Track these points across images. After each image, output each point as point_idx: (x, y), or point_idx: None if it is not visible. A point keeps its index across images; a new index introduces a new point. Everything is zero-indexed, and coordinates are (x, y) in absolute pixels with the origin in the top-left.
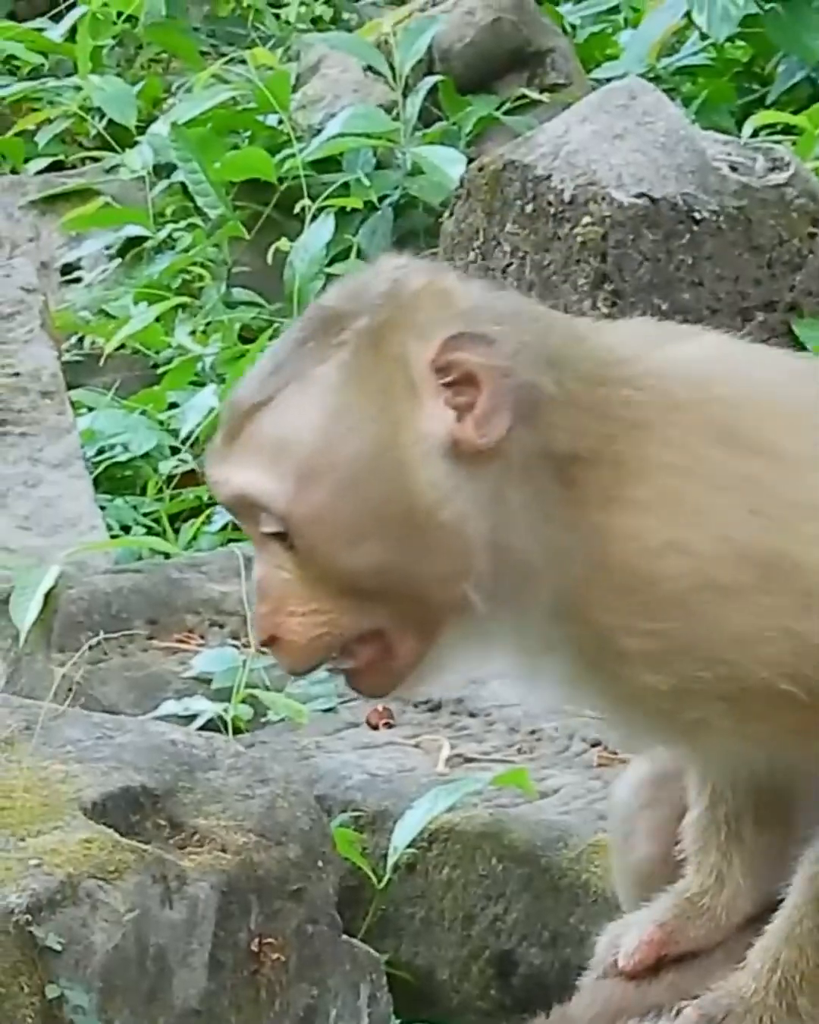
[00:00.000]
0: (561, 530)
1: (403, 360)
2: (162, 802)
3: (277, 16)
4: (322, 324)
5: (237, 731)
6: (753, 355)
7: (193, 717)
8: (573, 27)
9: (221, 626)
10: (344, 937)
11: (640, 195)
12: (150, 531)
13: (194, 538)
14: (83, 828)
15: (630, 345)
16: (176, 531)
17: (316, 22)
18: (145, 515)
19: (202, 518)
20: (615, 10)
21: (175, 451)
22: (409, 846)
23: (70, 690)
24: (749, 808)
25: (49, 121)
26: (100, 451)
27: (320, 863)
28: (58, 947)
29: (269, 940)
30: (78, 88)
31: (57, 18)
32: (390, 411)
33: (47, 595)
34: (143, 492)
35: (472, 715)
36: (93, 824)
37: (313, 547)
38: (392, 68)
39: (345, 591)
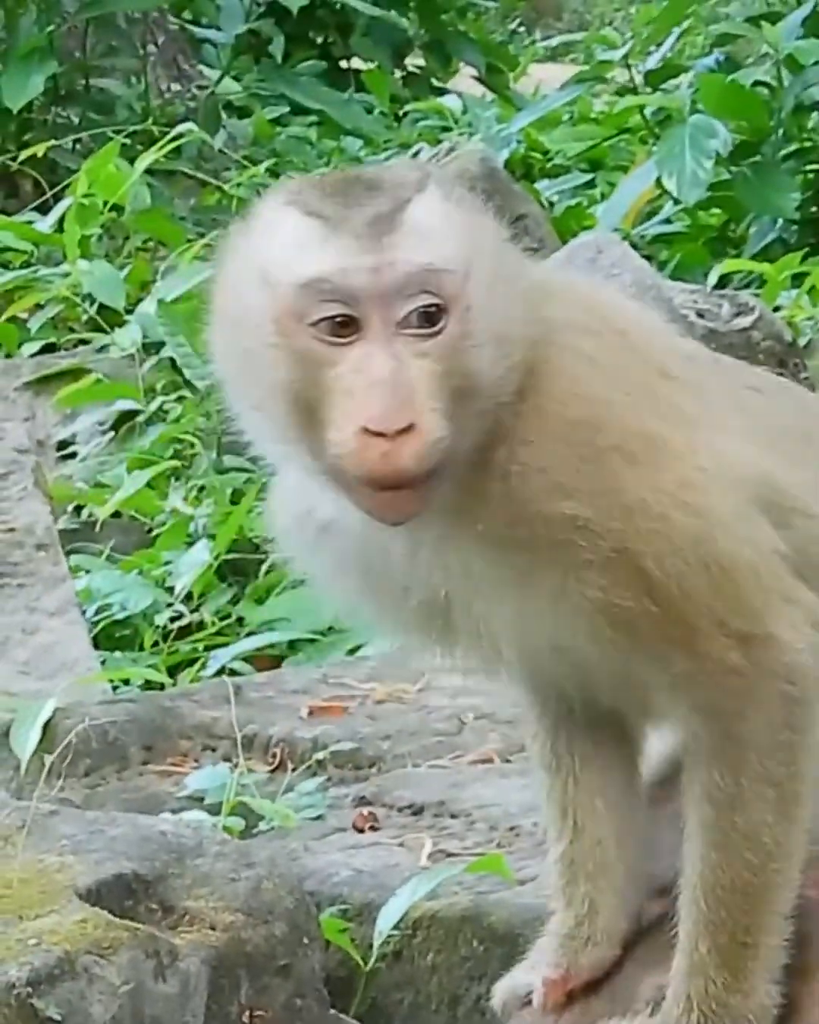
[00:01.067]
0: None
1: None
2: (153, 887)
3: None
4: (404, 166)
5: None
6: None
7: None
8: (550, 202)
9: (214, 749)
10: (332, 1012)
11: None
12: (148, 682)
13: (192, 682)
14: (78, 911)
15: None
16: (174, 682)
17: None
18: (146, 667)
19: (198, 666)
20: (590, 185)
21: (169, 606)
22: (395, 930)
23: None
24: (609, 831)
25: (40, 306)
26: (98, 610)
27: (306, 940)
28: (58, 1018)
29: (259, 1013)
30: (67, 275)
31: (45, 210)
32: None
33: (45, 726)
34: (142, 648)
35: (453, 816)
36: (88, 907)
37: (468, 332)
38: None
39: (462, 394)
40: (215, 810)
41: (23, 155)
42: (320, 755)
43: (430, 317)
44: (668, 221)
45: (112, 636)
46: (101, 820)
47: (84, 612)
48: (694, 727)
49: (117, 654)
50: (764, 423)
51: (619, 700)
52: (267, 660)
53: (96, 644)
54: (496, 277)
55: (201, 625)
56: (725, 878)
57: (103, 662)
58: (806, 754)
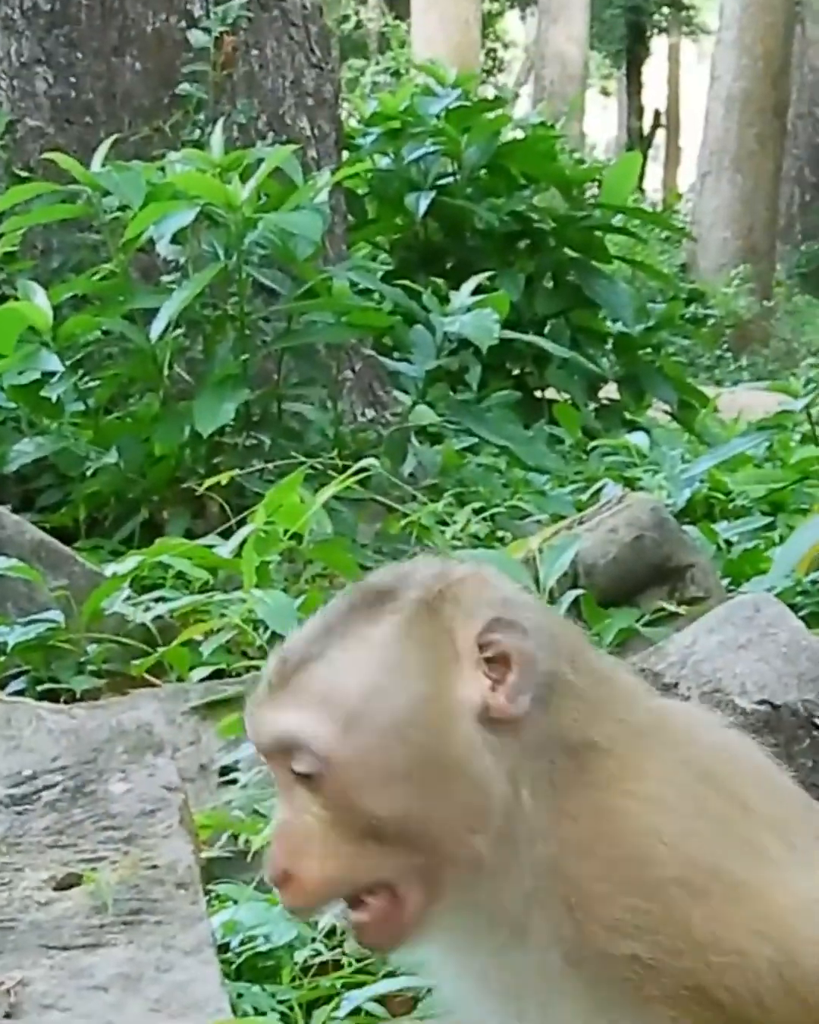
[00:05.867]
0: (568, 801)
1: (451, 631)
2: None
3: (444, 534)
4: (374, 595)
5: None
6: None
7: None
8: (728, 544)
9: None
10: None
11: (762, 702)
12: (283, 1017)
13: (325, 1022)
14: None
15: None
16: (309, 1017)
17: (478, 540)
18: (280, 1002)
19: (332, 1005)
20: (770, 527)
21: (312, 941)
22: None
23: None
24: None
25: (214, 632)
26: (243, 941)
27: None
28: None
29: None
30: (244, 600)
31: (229, 534)
32: (435, 672)
33: None
34: (282, 981)
35: None
36: None
37: (346, 789)
38: (538, 582)
39: (367, 836)
40: None
41: (209, 482)
42: None
43: (308, 775)
44: None
45: (255, 967)
46: None
47: (229, 945)
48: None
49: (256, 988)
50: None
51: None
52: (403, 1002)
53: (238, 975)
54: (402, 724)
55: (339, 963)
56: None
57: (240, 995)
58: None
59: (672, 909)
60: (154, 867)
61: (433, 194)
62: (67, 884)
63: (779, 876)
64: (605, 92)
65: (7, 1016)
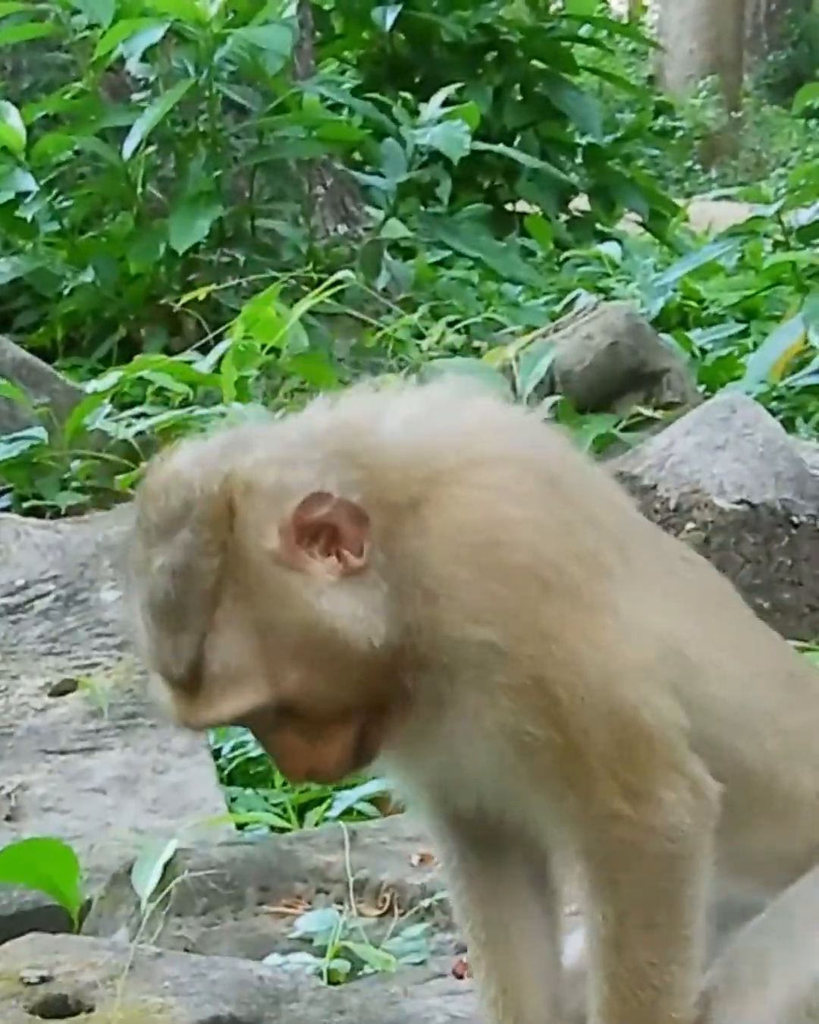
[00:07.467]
0: (420, 507)
1: (259, 552)
2: None
3: (419, 347)
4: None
5: (335, 983)
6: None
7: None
8: (702, 351)
9: (327, 892)
10: None
11: (741, 501)
12: (277, 817)
13: (317, 824)
14: None
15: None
16: (302, 819)
17: (454, 351)
18: (274, 804)
19: (324, 806)
20: (744, 334)
21: None
22: None
23: (186, 950)
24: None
25: None
26: (234, 747)
27: None
28: None
29: None
30: (223, 415)
31: (206, 350)
32: (279, 588)
33: (167, 865)
34: (273, 785)
35: None
36: None
37: (310, 707)
38: (515, 390)
39: (340, 716)
40: (323, 952)
41: (186, 297)
42: (427, 901)
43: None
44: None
45: (247, 773)
46: (203, 964)
47: (220, 751)
48: (582, 868)
49: (249, 791)
50: (691, 587)
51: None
52: (391, 803)
53: (231, 780)
54: (298, 641)
55: None
56: (620, 1011)
57: (234, 799)
58: (688, 903)
59: (524, 596)
60: (147, 672)
61: (399, 7)
62: (63, 690)
63: (613, 594)
64: None
65: (8, 819)
